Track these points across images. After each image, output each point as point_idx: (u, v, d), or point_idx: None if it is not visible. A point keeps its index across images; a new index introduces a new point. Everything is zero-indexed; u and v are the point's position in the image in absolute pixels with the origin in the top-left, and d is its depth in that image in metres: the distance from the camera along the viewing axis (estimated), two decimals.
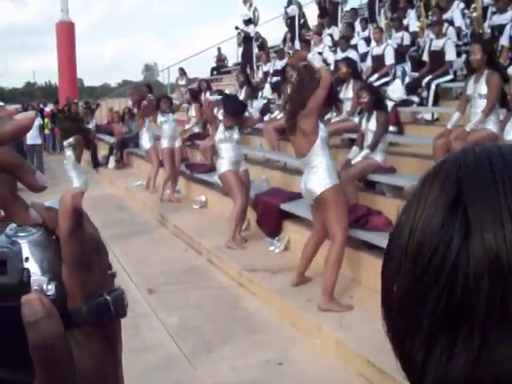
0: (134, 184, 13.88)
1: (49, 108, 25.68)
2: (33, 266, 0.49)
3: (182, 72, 21.14)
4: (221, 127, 8.57)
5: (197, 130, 13.59)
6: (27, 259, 0.49)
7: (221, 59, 25.36)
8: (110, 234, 9.30)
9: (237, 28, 18.78)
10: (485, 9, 11.69)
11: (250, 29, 18.66)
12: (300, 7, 19.42)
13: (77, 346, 0.50)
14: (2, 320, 0.48)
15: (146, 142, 13.23)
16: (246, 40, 18.85)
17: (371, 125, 7.36)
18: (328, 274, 5.83)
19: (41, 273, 0.49)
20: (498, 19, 10.23)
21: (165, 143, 11.97)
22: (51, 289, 0.49)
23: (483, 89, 7.00)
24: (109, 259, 0.56)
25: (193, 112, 14.03)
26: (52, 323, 0.47)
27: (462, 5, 13.07)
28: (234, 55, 24.01)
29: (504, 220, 0.57)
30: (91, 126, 19.63)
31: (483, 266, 0.56)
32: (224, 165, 8.44)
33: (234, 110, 8.76)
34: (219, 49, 25.61)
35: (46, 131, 23.65)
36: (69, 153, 9.13)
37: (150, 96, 14.26)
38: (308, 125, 5.96)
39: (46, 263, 0.50)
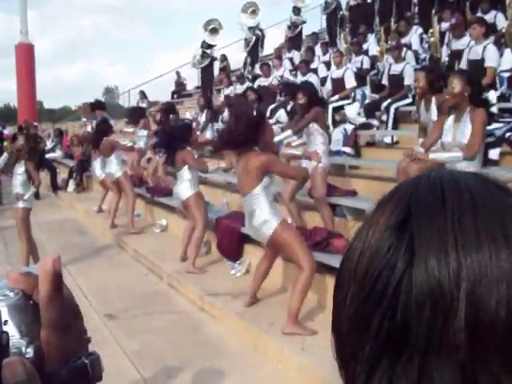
0: (94, 208, 13.71)
1: (8, 131, 25.39)
2: (11, 329, 0.50)
3: (143, 95, 21.13)
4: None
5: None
6: (6, 322, 0.50)
7: (180, 83, 25.41)
8: (69, 258, 9.20)
9: (204, 45, 18.66)
10: (443, 34, 11.91)
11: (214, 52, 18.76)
12: (261, 32, 19.55)
13: None
14: None
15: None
16: (209, 63, 18.90)
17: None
18: (294, 299, 5.74)
19: (19, 336, 0.50)
20: (455, 44, 10.41)
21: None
22: (30, 352, 0.50)
23: (434, 116, 7.05)
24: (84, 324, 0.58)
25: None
26: None
27: (420, 30, 13.35)
28: (193, 79, 24.08)
29: (449, 247, 0.56)
30: (57, 154, 19.40)
31: (425, 293, 0.55)
32: (188, 187, 8.25)
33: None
34: (178, 73, 25.68)
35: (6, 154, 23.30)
36: (20, 171, 8.67)
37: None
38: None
39: (24, 326, 0.51)
